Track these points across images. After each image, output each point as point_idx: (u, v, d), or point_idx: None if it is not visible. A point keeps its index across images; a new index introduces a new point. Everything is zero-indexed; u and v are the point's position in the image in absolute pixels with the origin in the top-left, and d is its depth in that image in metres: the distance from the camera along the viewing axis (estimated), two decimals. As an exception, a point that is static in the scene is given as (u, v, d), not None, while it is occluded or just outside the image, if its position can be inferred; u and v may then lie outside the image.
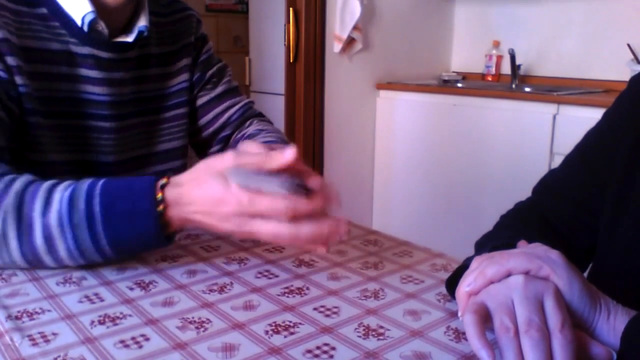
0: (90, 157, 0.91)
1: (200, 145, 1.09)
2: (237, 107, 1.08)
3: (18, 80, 0.82)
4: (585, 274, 0.74)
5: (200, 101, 1.05)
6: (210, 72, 1.06)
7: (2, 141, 0.79)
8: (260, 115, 1.11)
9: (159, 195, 0.66)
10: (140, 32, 0.91)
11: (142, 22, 0.91)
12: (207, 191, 0.65)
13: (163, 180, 0.68)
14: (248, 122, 1.08)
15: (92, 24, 0.85)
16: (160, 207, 0.66)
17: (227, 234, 0.71)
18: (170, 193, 0.67)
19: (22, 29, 0.83)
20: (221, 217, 0.64)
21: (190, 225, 0.70)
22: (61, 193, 0.68)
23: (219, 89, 1.07)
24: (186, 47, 1.03)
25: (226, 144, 1.08)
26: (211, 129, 1.07)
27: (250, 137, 1.03)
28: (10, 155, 0.81)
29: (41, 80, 0.85)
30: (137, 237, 0.67)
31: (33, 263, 0.70)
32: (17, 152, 0.84)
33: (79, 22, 0.85)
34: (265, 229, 0.63)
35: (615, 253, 0.68)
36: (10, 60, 0.81)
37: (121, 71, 0.91)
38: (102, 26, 0.86)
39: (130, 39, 0.90)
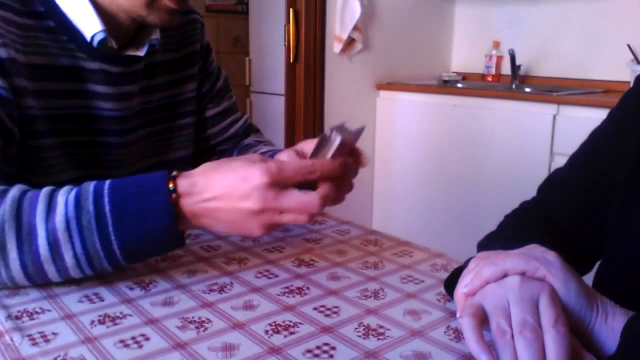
0: (98, 173, 0.88)
1: (199, 153, 1.08)
2: (241, 122, 1.10)
3: (25, 102, 0.78)
4: (592, 273, 0.74)
5: (208, 113, 1.06)
6: (218, 84, 1.07)
7: None
8: (257, 130, 1.15)
9: (171, 186, 0.63)
10: (151, 45, 0.89)
11: (155, 35, 0.89)
12: (224, 173, 0.63)
13: (173, 173, 0.65)
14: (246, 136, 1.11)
15: (102, 41, 0.82)
16: (173, 197, 0.63)
17: (244, 224, 0.64)
18: (183, 183, 0.64)
19: (28, 45, 0.79)
20: (241, 195, 0.62)
21: (201, 223, 0.66)
22: (65, 196, 0.64)
23: (225, 104, 1.08)
24: (192, 55, 1.02)
25: (224, 155, 1.09)
26: (214, 141, 1.08)
27: (249, 146, 1.06)
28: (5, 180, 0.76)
29: (47, 98, 0.82)
30: (149, 237, 0.64)
31: (33, 277, 0.64)
32: (17, 175, 0.79)
33: (88, 38, 0.82)
34: (295, 200, 0.62)
35: (626, 250, 0.68)
36: (18, 81, 0.77)
37: (130, 84, 0.89)
38: (112, 43, 0.84)
39: (141, 52, 0.88)
